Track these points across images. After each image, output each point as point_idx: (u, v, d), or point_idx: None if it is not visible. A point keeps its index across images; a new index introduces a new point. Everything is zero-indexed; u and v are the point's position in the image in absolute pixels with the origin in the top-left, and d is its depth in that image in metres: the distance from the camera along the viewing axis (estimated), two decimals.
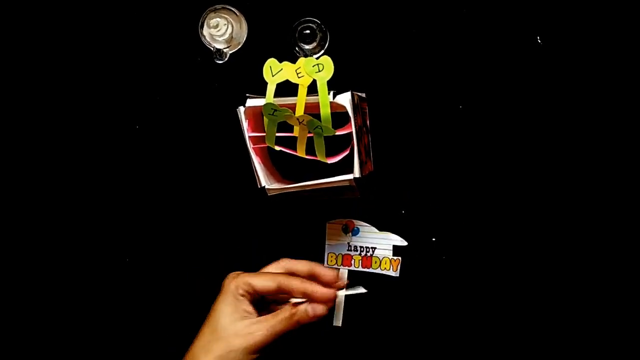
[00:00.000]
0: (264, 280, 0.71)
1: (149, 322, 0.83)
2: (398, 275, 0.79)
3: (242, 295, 0.71)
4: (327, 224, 0.81)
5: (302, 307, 0.70)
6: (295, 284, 0.71)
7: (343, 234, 0.80)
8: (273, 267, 0.74)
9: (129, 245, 0.83)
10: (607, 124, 0.78)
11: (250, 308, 0.71)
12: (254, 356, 0.69)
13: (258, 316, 0.71)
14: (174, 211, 0.83)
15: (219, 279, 0.82)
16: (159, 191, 0.83)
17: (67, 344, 0.84)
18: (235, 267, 0.82)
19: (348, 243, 0.80)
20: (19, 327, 0.84)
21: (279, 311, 0.71)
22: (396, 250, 0.79)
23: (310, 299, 0.71)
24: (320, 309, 0.71)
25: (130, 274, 0.83)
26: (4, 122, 0.83)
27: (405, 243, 0.79)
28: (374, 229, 0.80)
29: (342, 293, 0.73)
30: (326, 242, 0.81)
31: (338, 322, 0.79)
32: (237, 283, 0.71)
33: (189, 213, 0.83)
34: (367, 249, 0.79)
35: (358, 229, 0.80)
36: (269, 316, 0.71)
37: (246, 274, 0.72)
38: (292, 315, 0.70)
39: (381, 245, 0.79)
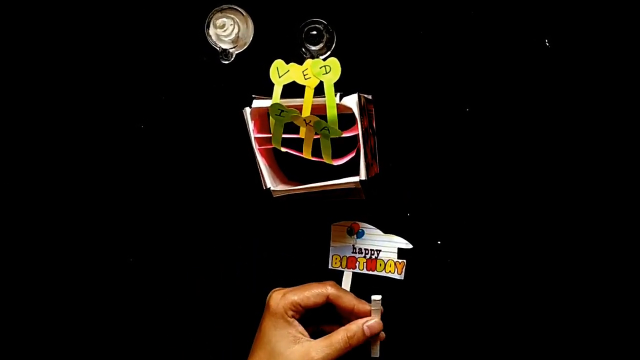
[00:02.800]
0: (312, 297, 0.71)
1: (152, 322, 0.83)
2: (402, 278, 0.79)
3: (292, 317, 0.70)
4: (332, 226, 0.80)
5: (357, 329, 0.71)
6: (348, 299, 0.72)
7: (348, 236, 0.80)
8: (317, 286, 0.73)
9: (133, 245, 0.83)
10: (616, 126, 0.78)
11: (301, 328, 0.71)
12: None
13: (309, 335, 0.71)
14: (178, 211, 0.83)
15: (223, 280, 0.83)
16: (163, 191, 0.83)
17: (69, 344, 0.83)
18: (238, 268, 0.82)
19: (353, 245, 0.79)
20: (20, 327, 0.84)
21: (334, 334, 0.71)
22: (401, 253, 0.79)
23: (354, 318, 0.72)
24: (376, 326, 0.72)
25: (134, 274, 0.83)
26: (8, 122, 0.83)
27: (410, 246, 0.78)
28: (379, 232, 0.79)
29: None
30: (331, 244, 0.80)
31: (376, 353, 0.76)
32: (285, 304, 0.70)
33: (194, 214, 0.83)
34: (372, 252, 0.79)
35: (363, 231, 0.79)
36: (324, 340, 0.70)
37: (290, 291, 0.72)
38: (350, 338, 0.70)
39: (386, 247, 0.79)
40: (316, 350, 0.69)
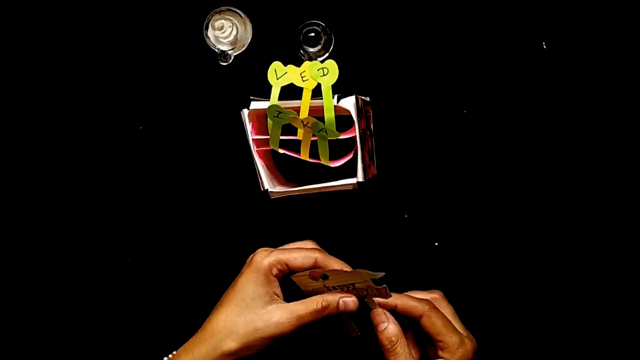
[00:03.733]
0: (299, 258, 0.70)
1: (150, 323, 0.83)
2: (391, 296, 0.71)
3: (276, 276, 0.70)
4: (293, 278, 0.71)
5: (333, 300, 0.69)
6: (335, 266, 0.70)
7: (313, 280, 0.71)
8: (302, 246, 0.72)
9: (130, 246, 0.83)
10: (613, 128, 0.78)
11: (279, 290, 0.70)
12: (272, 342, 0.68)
13: (283, 298, 0.70)
14: (176, 213, 0.83)
15: (220, 281, 0.82)
16: (161, 192, 0.83)
17: (67, 344, 0.84)
18: (236, 269, 0.82)
19: (325, 286, 0.71)
20: (19, 327, 0.84)
21: (309, 301, 0.69)
22: (380, 279, 0.70)
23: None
24: (352, 304, 0.70)
25: (131, 274, 0.83)
26: (7, 123, 0.83)
27: (382, 274, 0.69)
28: (342, 271, 0.70)
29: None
30: (303, 291, 0.72)
31: (354, 331, 0.74)
32: (271, 262, 0.69)
33: (191, 215, 0.83)
34: (347, 286, 0.71)
35: (326, 275, 0.71)
36: (299, 305, 0.69)
37: (278, 251, 0.71)
38: (324, 308, 0.69)
39: (358, 281, 0.70)
40: (289, 313, 0.68)
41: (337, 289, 0.71)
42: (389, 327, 0.70)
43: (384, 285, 0.71)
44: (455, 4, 0.79)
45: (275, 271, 0.70)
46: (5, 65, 0.83)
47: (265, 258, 0.70)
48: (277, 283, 0.70)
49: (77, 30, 0.82)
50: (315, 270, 0.70)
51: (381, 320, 0.71)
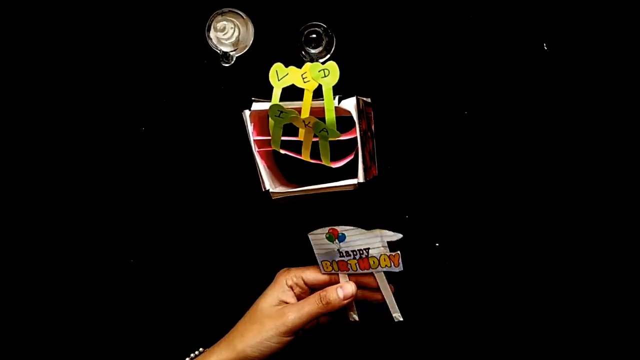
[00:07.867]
0: (315, 271, 0.75)
1: (151, 324, 0.84)
2: (402, 269, 0.74)
3: (290, 287, 0.75)
4: (309, 235, 0.74)
5: (331, 289, 0.73)
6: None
7: (329, 242, 0.74)
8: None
9: (133, 246, 0.84)
10: (613, 129, 0.78)
11: (292, 300, 0.74)
12: (288, 338, 0.72)
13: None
14: (178, 213, 0.83)
15: (221, 280, 0.83)
16: (164, 192, 0.83)
17: (69, 344, 0.84)
18: (236, 269, 0.83)
19: (338, 250, 0.74)
20: (21, 327, 0.84)
21: (310, 297, 0.74)
22: (394, 245, 0.73)
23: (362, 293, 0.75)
24: (349, 290, 0.73)
25: (134, 274, 0.84)
26: (11, 125, 0.84)
27: (399, 236, 0.72)
28: (361, 230, 0.73)
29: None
30: (315, 253, 0.75)
31: (353, 317, 0.78)
32: (288, 275, 0.75)
33: (193, 215, 0.83)
34: (360, 252, 0.74)
35: (343, 234, 0.73)
36: (301, 302, 0.73)
37: (298, 268, 0.76)
38: (323, 297, 0.73)
39: (374, 244, 0.73)
40: (289, 309, 0.72)
41: (350, 256, 0.74)
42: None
43: (398, 252, 0.73)
44: (456, 6, 0.79)
45: (290, 282, 0.75)
46: (8, 67, 0.83)
47: (282, 273, 0.76)
48: (291, 293, 0.75)
49: (80, 32, 0.83)
50: (334, 228, 0.73)
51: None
